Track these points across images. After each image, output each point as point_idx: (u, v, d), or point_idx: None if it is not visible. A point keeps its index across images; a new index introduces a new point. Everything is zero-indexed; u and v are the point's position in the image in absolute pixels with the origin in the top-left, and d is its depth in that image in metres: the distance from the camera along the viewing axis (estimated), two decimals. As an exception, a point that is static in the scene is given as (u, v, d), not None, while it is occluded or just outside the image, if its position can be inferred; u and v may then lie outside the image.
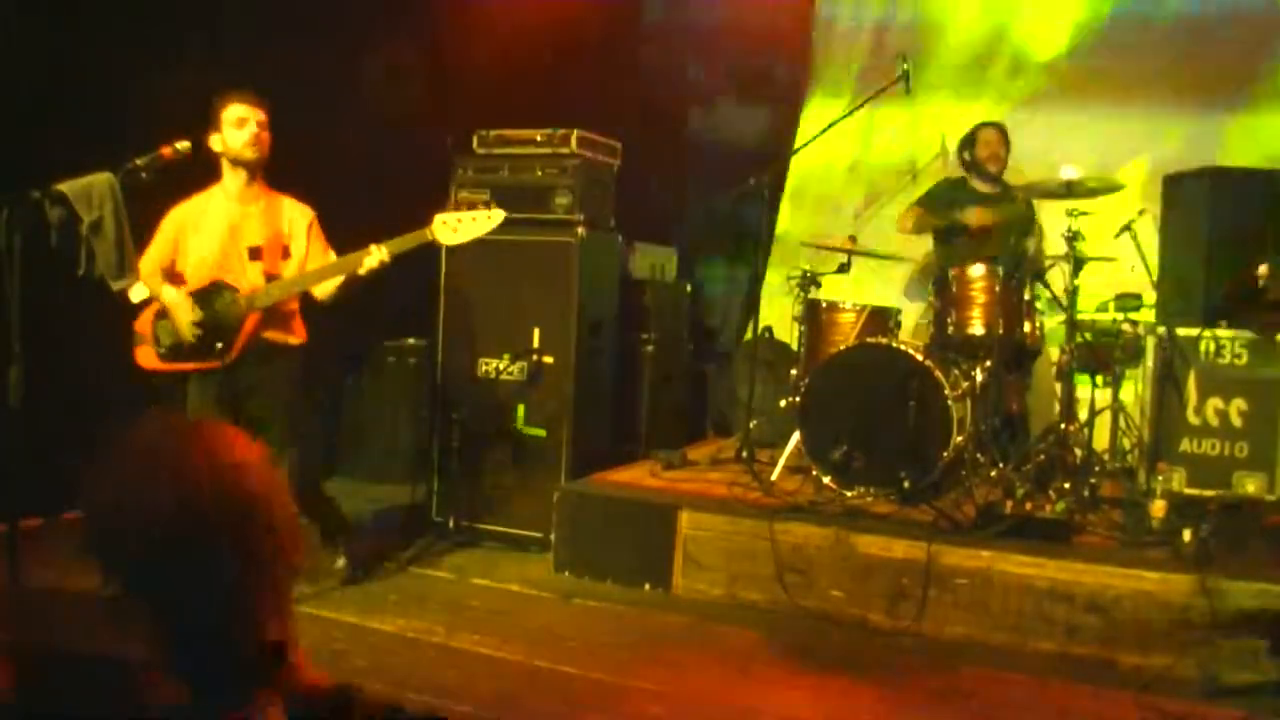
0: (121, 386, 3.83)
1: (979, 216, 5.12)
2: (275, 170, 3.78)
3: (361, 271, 3.58)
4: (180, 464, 1.13)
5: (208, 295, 3.64)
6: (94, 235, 3.12)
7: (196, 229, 3.72)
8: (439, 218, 3.63)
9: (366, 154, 5.52)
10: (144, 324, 3.73)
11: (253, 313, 3.63)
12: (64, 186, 3.05)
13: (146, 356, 3.72)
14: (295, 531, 1.20)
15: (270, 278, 3.68)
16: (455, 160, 4.97)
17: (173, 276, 3.71)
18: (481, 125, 5.01)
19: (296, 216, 3.80)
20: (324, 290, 3.75)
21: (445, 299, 4.90)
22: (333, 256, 3.80)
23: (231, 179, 3.71)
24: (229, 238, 3.69)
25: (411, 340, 5.94)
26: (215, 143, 3.66)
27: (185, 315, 3.61)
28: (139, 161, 3.25)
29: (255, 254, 3.70)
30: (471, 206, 3.74)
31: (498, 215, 3.65)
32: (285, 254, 3.75)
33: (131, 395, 3.84)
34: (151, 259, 3.69)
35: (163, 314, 3.68)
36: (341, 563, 4.11)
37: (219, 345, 3.61)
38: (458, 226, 3.61)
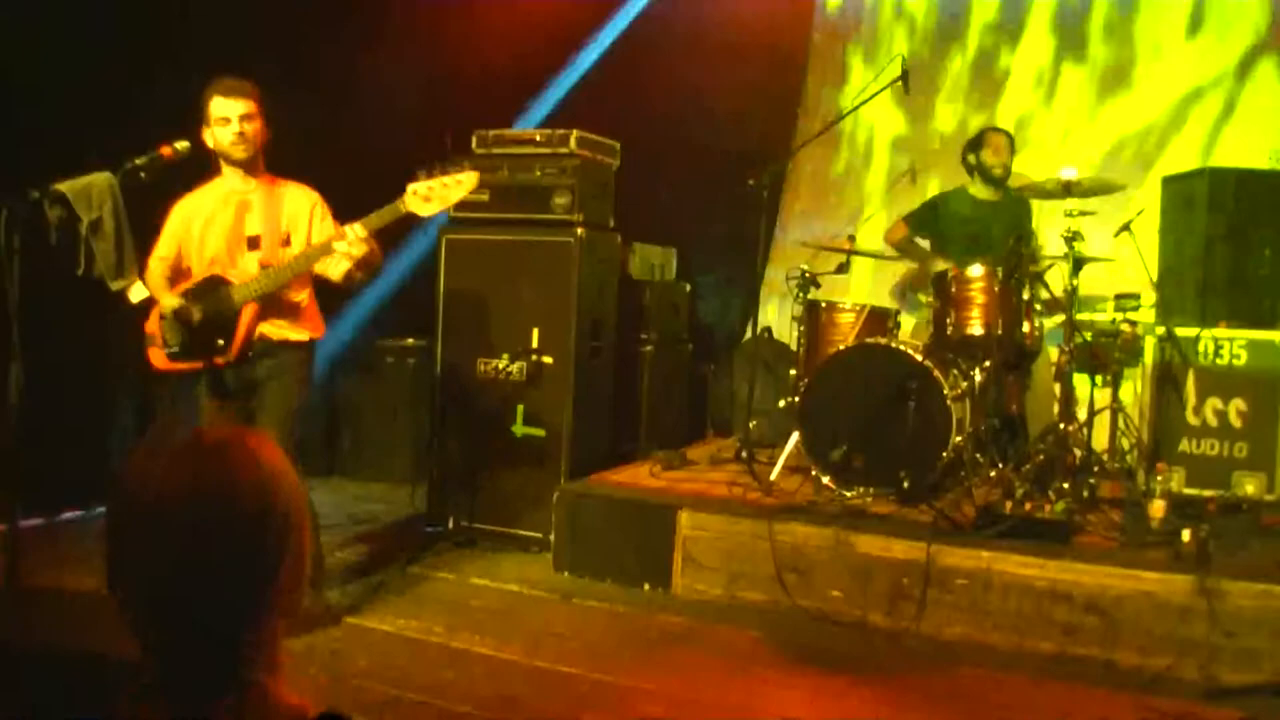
0: (121, 386, 3.83)
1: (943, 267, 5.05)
2: (275, 170, 3.77)
3: (338, 253, 3.42)
4: (238, 471, 1.12)
5: (203, 291, 3.55)
6: (93, 235, 3.13)
7: (201, 222, 3.62)
8: (411, 188, 3.45)
9: (365, 154, 5.52)
10: (152, 325, 3.65)
11: (247, 305, 3.51)
12: (64, 186, 3.05)
13: (158, 358, 3.65)
14: (304, 568, 1.19)
15: (265, 268, 3.55)
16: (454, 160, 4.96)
17: (181, 273, 3.63)
18: (481, 125, 5.01)
19: (299, 203, 3.67)
20: (336, 274, 3.55)
21: (445, 299, 4.90)
22: None
23: (229, 172, 3.61)
24: (231, 229, 3.60)
25: (411, 340, 5.94)
26: (207, 137, 3.54)
27: (182, 319, 3.52)
28: (139, 161, 3.25)
29: (253, 244, 3.59)
30: (444, 171, 3.47)
31: (471, 178, 3.47)
32: (286, 243, 3.61)
33: (131, 395, 3.84)
34: (159, 258, 3.61)
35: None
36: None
37: (220, 342, 3.53)
38: (430, 194, 3.44)
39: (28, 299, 2.81)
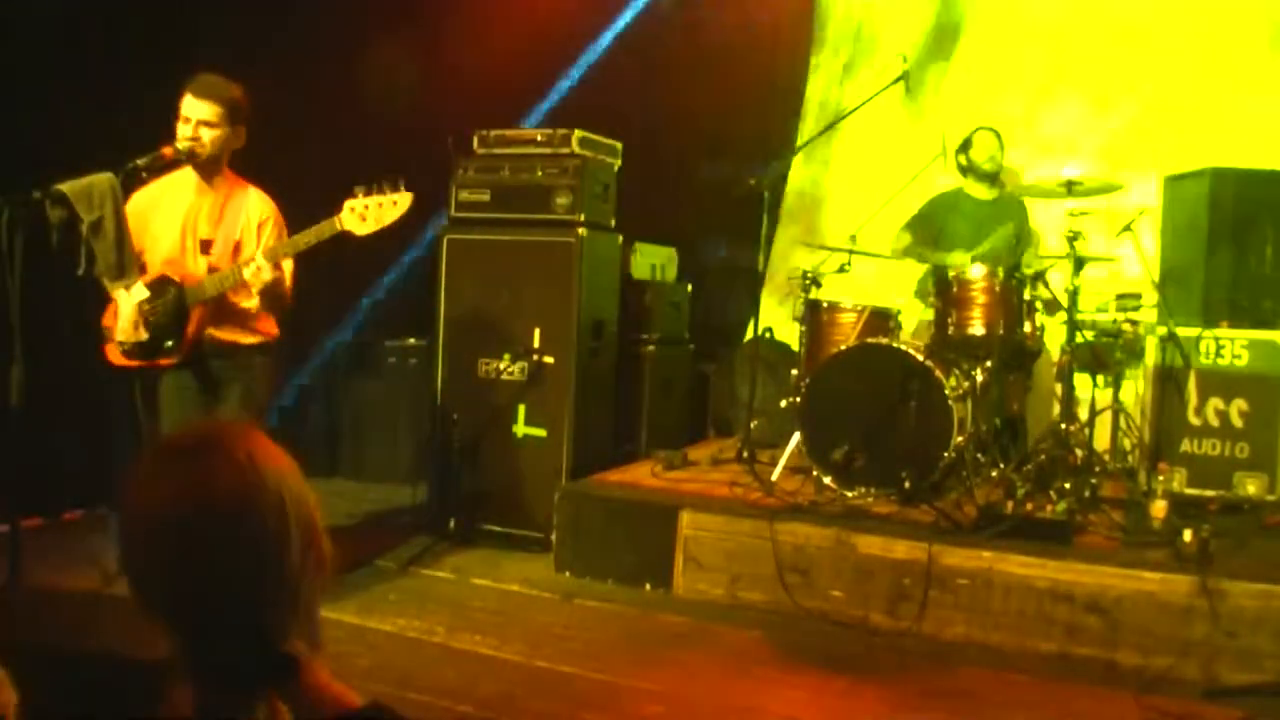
0: (121, 386, 3.82)
1: (958, 259, 4.97)
2: (272, 169, 3.74)
3: (247, 279, 3.37)
4: (217, 467, 1.13)
5: (155, 291, 3.49)
6: (94, 235, 3.12)
7: (157, 218, 3.56)
8: (348, 204, 3.38)
9: (367, 154, 5.51)
10: (109, 319, 3.59)
11: (195, 308, 3.48)
12: (64, 186, 3.05)
13: (113, 353, 3.60)
14: (322, 546, 1.20)
15: (213, 272, 3.51)
16: (456, 160, 4.97)
17: (140, 266, 3.52)
18: (481, 125, 5.00)
19: (255, 213, 3.59)
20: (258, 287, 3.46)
21: (445, 299, 4.90)
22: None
23: (188, 169, 3.52)
24: (182, 229, 3.54)
25: (411, 340, 5.94)
26: (176, 128, 3.47)
27: (127, 312, 3.45)
28: (139, 161, 3.25)
29: (205, 247, 3.53)
30: (380, 191, 3.38)
31: (405, 199, 3.40)
32: (237, 250, 3.54)
33: (131, 394, 3.83)
34: None
35: None
36: None
37: (168, 343, 3.49)
38: (365, 214, 3.37)
39: (29, 299, 2.81)
